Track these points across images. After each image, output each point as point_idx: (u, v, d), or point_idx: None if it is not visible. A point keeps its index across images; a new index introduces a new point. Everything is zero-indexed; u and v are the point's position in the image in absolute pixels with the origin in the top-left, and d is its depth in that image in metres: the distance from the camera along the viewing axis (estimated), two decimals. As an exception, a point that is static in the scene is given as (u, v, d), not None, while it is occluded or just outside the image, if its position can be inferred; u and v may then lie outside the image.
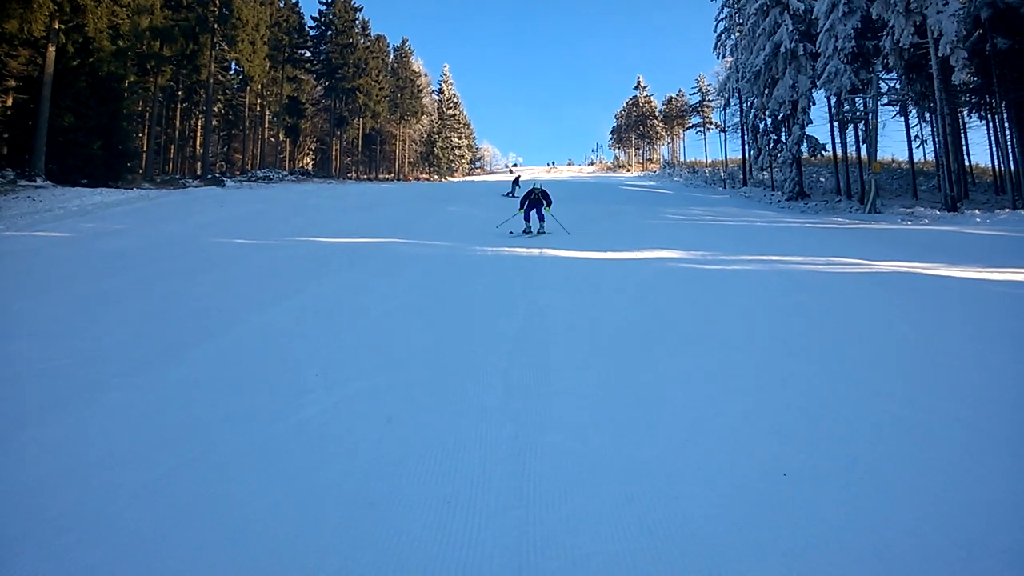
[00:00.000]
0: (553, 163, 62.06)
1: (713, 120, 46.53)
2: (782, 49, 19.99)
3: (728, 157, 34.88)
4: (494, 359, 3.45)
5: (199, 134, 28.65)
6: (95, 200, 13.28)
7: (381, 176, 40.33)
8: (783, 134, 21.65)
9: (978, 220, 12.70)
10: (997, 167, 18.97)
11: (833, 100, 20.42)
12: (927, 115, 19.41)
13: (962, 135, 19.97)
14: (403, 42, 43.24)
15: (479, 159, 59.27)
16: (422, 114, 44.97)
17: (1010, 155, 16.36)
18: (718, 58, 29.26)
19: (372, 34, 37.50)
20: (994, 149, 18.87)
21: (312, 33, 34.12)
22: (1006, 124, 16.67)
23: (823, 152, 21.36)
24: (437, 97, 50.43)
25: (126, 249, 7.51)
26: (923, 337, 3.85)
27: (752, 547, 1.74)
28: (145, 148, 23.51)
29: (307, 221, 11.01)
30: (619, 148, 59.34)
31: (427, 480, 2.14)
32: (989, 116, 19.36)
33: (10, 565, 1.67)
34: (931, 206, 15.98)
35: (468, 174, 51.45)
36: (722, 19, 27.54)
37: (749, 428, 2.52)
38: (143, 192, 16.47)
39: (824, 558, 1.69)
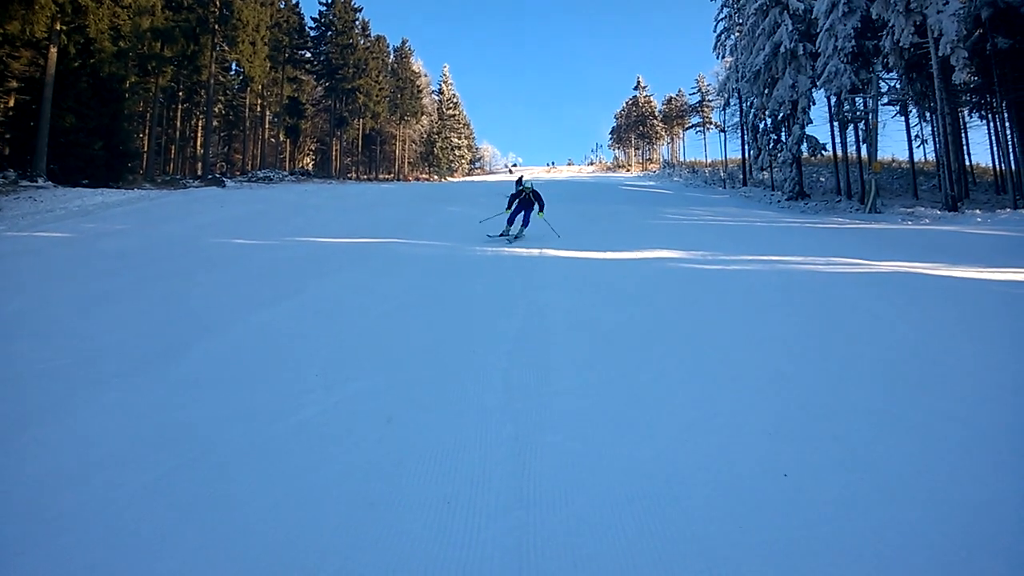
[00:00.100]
0: (553, 163, 62.17)
1: (713, 120, 46.60)
2: (782, 49, 19.98)
3: (728, 157, 34.88)
4: (494, 359, 3.45)
5: (200, 134, 28.68)
6: (96, 200, 13.29)
7: (381, 176, 40.35)
8: (783, 134, 21.64)
9: (979, 220, 12.69)
10: (998, 167, 18.96)
11: (833, 100, 20.41)
12: (927, 115, 19.40)
13: (963, 135, 19.95)
14: (403, 42, 43.31)
15: (479, 159, 59.31)
16: (422, 114, 45.01)
17: (1011, 155, 16.35)
18: (718, 58, 29.27)
19: (372, 35, 37.57)
20: (995, 149, 18.87)
21: (312, 34, 34.15)
22: (1007, 124, 16.65)
23: (823, 152, 21.34)
24: (437, 97, 50.47)
25: (127, 249, 7.51)
26: (923, 337, 3.85)
27: (753, 547, 1.74)
28: (146, 148, 23.53)
29: (307, 221, 11.01)
30: (619, 148, 59.39)
31: (427, 480, 2.14)
32: (990, 116, 19.35)
33: (10, 565, 1.67)
34: (932, 206, 15.97)
35: (468, 174, 51.48)
36: (722, 19, 27.54)
37: (749, 428, 2.52)
38: (144, 192, 16.48)
39: (825, 558, 1.69)
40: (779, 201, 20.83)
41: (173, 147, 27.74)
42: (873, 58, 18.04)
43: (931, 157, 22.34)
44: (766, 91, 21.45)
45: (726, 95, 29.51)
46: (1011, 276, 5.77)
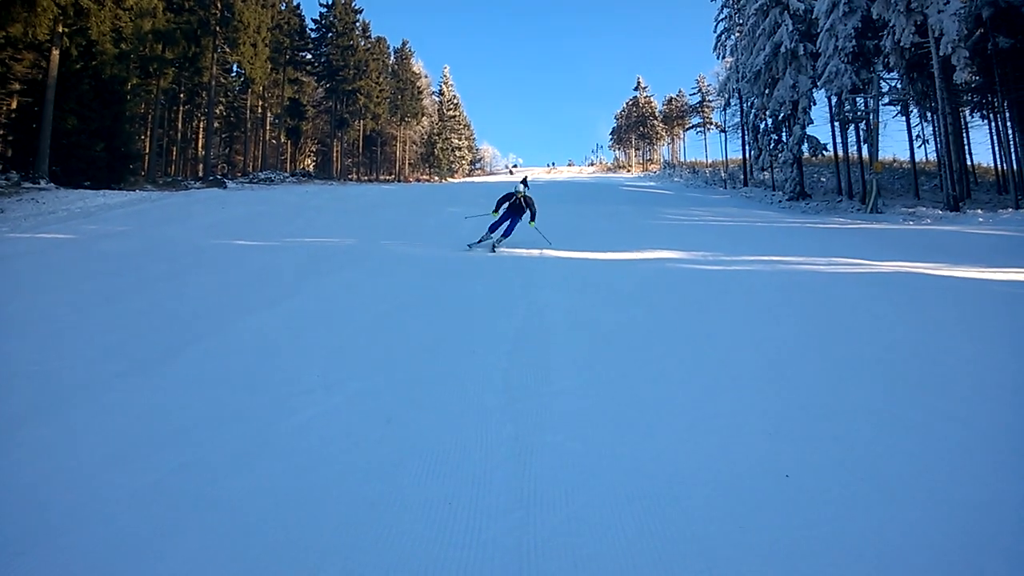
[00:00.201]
0: (553, 164, 62.12)
1: (713, 120, 46.52)
2: (782, 49, 19.98)
3: (728, 157, 34.92)
4: (494, 359, 3.45)
5: (201, 136, 28.76)
6: (98, 202, 13.33)
7: (382, 177, 40.41)
8: (784, 134, 21.63)
9: (980, 220, 12.67)
10: (999, 166, 18.93)
11: (834, 100, 20.40)
12: (928, 114, 19.38)
13: (964, 134, 19.91)
14: (403, 44, 43.37)
15: (479, 160, 59.31)
16: (422, 115, 45.06)
17: (1012, 154, 16.32)
18: (718, 58, 29.29)
19: (372, 36, 37.64)
20: (996, 148, 18.83)
21: (313, 35, 34.22)
22: (1008, 123, 16.62)
23: (824, 152, 21.34)
24: (437, 98, 50.51)
25: (128, 251, 7.53)
26: (924, 337, 3.85)
27: (754, 547, 1.74)
28: (147, 150, 23.58)
29: (308, 222, 11.03)
30: (619, 149, 59.40)
31: (428, 480, 2.14)
32: (991, 115, 19.31)
33: (10, 566, 1.68)
34: (933, 206, 15.94)
35: (468, 175, 51.49)
36: (722, 19, 27.55)
37: (750, 428, 2.52)
38: (145, 194, 16.52)
39: (826, 558, 1.69)
40: (780, 201, 20.82)
41: (174, 149, 27.81)
42: (874, 58, 18.03)
43: (932, 157, 22.29)
44: (767, 91, 21.45)
45: (726, 95, 29.51)
46: (1012, 276, 5.77)
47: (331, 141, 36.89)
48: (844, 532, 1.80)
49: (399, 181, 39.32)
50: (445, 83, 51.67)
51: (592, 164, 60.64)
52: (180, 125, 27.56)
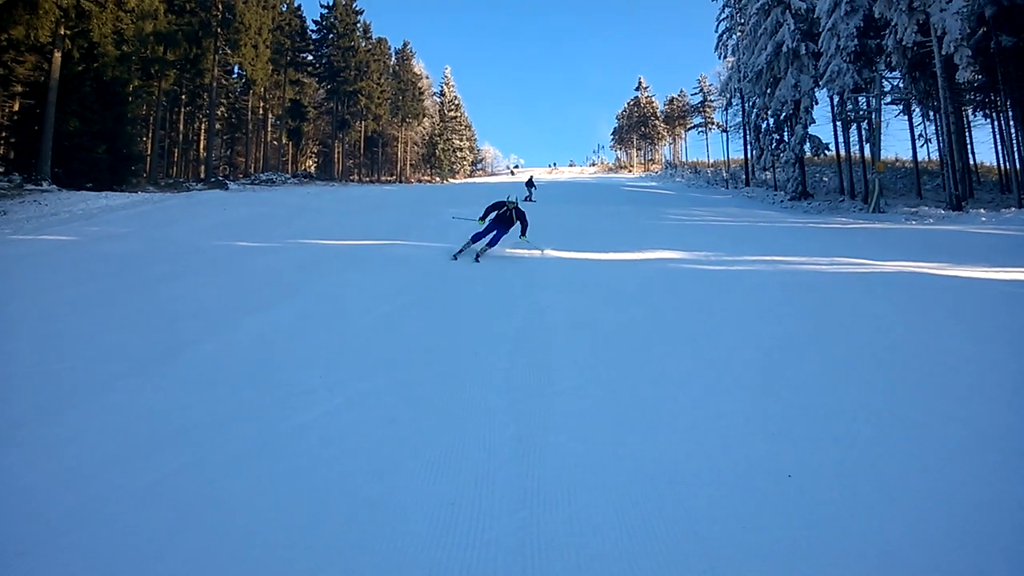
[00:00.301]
0: (555, 164, 62.05)
1: (715, 120, 46.36)
2: (784, 48, 19.94)
3: (730, 157, 34.90)
4: (495, 359, 3.45)
5: (203, 137, 28.82)
6: (100, 204, 13.36)
7: (383, 179, 40.44)
8: (786, 134, 21.58)
9: (983, 219, 12.62)
10: (1002, 166, 18.87)
11: (836, 99, 20.34)
12: (931, 114, 19.31)
13: (967, 134, 19.83)
14: (404, 44, 43.37)
15: (481, 161, 59.28)
16: (424, 116, 45.08)
17: (1015, 153, 16.26)
18: (719, 58, 29.20)
19: (373, 37, 37.63)
20: (999, 147, 18.76)
21: (314, 36, 34.25)
22: (1011, 122, 16.56)
23: (826, 152, 21.27)
24: (439, 99, 50.53)
25: (129, 252, 7.55)
26: (926, 337, 3.84)
27: (755, 548, 1.74)
28: (149, 152, 23.64)
29: (309, 224, 11.04)
30: (620, 149, 59.30)
31: (430, 481, 2.15)
32: (994, 114, 19.23)
33: (11, 565, 1.68)
34: (935, 205, 15.89)
35: (470, 176, 51.49)
36: (723, 19, 27.49)
37: (751, 428, 2.51)
38: (147, 196, 16.56)
39: (827, 558, 1.68)
40: (782, 201, 20.78)
41: (176, 150, 27.88)
42: (876, 57, 17.99)
43: (935, 156, 22.17)
44: (768, 91, 21.40)
45: (728, 95, 29.48)
46: (1014, 276, 5.74)
47: (332, 142, 36.94)
48: (845, 532, 1.80)
49: (400, 182, 39.35)
50: (446, 84, 51.72)
51: (594, 164, 60.61)
52: (182, 127, 27.63)
